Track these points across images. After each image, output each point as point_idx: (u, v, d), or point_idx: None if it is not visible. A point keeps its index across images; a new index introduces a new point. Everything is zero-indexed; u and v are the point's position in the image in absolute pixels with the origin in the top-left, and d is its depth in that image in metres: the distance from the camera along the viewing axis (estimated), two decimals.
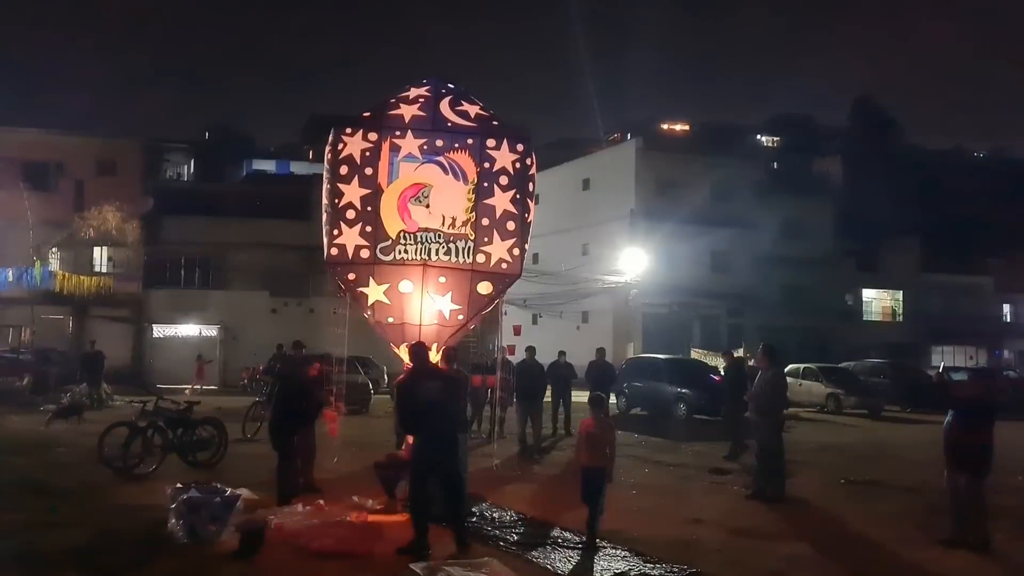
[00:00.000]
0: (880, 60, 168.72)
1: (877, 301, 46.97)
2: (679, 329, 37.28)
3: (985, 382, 9.63)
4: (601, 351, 19.85)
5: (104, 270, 35.07)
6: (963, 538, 8.46)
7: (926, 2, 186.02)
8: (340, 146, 9.64)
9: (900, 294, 46.60)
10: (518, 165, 9.78)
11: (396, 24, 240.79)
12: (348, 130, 9.69)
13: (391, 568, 7.29)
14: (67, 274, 32.67)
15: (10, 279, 31.50)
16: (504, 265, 9.76)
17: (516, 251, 9.77)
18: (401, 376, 10.18)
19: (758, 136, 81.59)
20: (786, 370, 19.65)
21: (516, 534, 8.67)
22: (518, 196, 9.76)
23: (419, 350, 8.65)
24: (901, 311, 46.75)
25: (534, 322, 40.81)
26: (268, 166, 67.57)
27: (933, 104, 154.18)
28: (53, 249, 33.93)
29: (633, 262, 36.66)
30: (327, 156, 9.86)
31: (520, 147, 9.84)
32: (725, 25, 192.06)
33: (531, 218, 10.03)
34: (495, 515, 9.43)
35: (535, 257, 38.68)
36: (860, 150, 60.30)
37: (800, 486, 11.64)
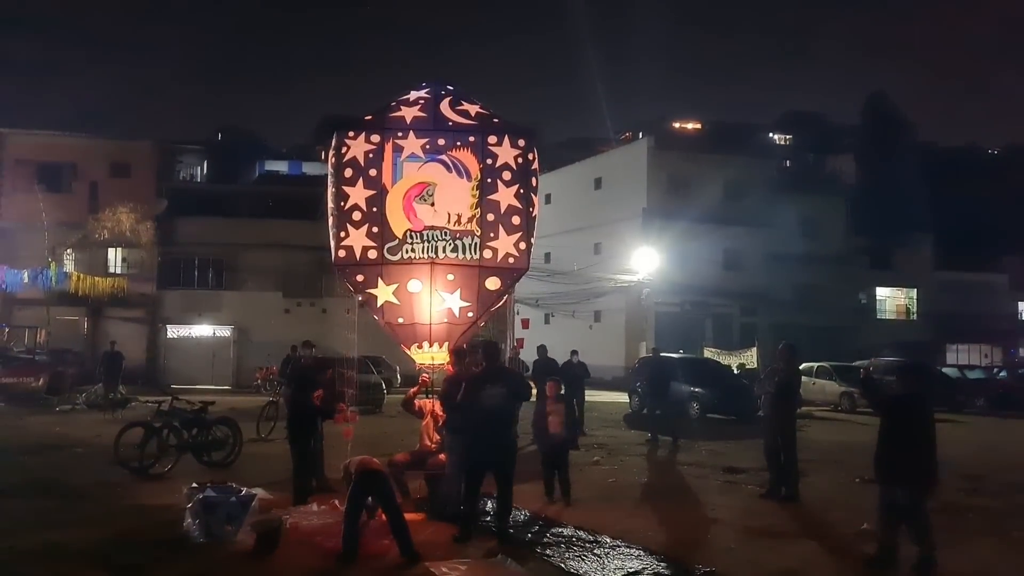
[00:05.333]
0: (893, 57, 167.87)
1: (891, 299, 46.76)
2: (692, 328, 37.22)
3: (916, 379, 8.12)
4: (542, 348, 19.01)
5: (118, 271, 35.26)
6: (889, 557, 7.60)
7: None
8: (343, 149, 9.67)
9: (914, 292, 46.36)
10: (520, 160, 9.80)
11: (406, 26, 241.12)
12: (351, 133, 9.72)
13: (407, 566, 7.32)
14: (82, 275, 32.80)
15: (25, 280, 31.62)
16: (511, 259, 9.77)
17: (523, 245, 9.79)
18: (413, 389, 10.23)
19: (770, 134, 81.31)
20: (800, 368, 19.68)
21: (530, 533, 8.68)
22: (522, 191, 9.78)
23: (492, 350, 8.84)
24: (915, 309, 46.51)
25: (546, 321, 40.83)
26: (280, 167, 67.71)
27: (946, 101, 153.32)
28: (68, 250, 34.11)
29: (645, 261, 36.60)
30: (331, 160, 9.92)
31: (521, 142, 9.86)
32: (736, 23, 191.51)
33: (536, 212, 10.07)
34: None
35: (547, 256, 38.67)
36: (873, 148, 60.01)
37: (814, 485, 11.61)
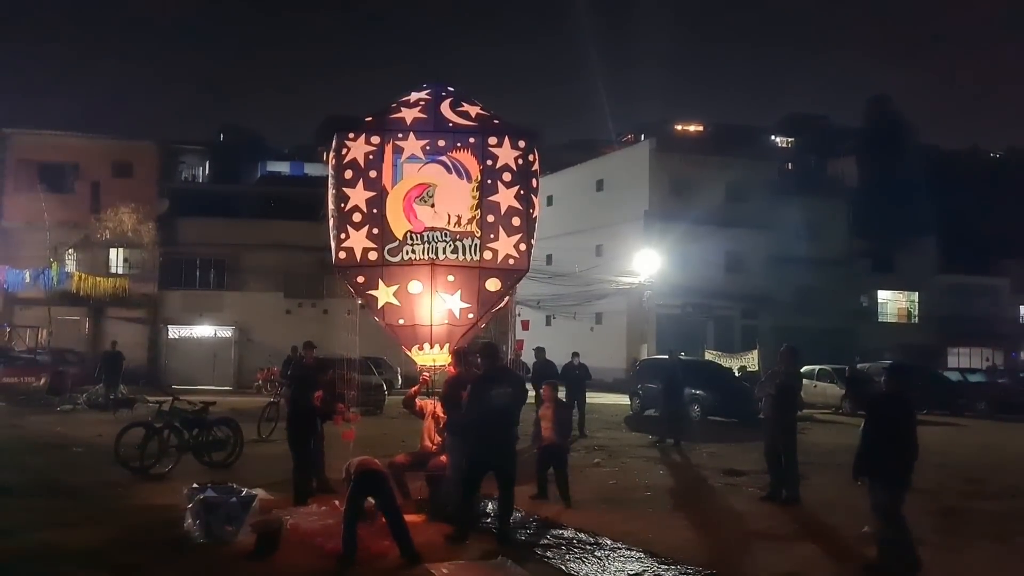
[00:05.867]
0: (895, 60, 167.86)
1: (892, 302, 46.68)
2: (693, 330, 37.16)
3: (901, 380, 7.98)
4: (540, 350, 18.90)
5: (120, 271, 35.28)
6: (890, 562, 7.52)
7: (941, 2, 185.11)
8: (344, 151, 9.67)
9: (915, 295, 46.29)
10: (520, 161, 9.79)
11: (409, 27, 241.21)
12: (351, 135, 9.72)
13: (407, 568, 7.32)
14: (83, 275, 32.83)
15: (27, 280, 31.70)
16: (511, 261, 9.76)
17: (523, 246, 9.78)
18: (414, 388, 10.24)
19: (772, 137, 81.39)
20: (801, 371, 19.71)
21: (531, 535, 8.67)
22: (522, 192, 9.77)
23: (492, 351, 8.86)
24: (916, 312, 46.44)
25: (547, 323, 40.80)
26: (282, 168, 67.81)
27: (949, 104, 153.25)
28: (69, 250, 34.11)
29: (647, 263, 36.58)
30: (331, 161, 9.91)
31: (522, 143, 9.84)
32: (739, 26, 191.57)
33: (536, 213, 10.05)
34: None
35: (548, 258, 38.65)
36: (875, 150, 60.02)
37: (815, 488, 11.60)
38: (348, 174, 9.62)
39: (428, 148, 9.69)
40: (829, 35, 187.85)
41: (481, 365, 8.91)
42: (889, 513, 7.49)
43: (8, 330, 29.71)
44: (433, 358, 9.79)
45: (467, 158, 9.71)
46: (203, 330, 35.68)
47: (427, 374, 9.98)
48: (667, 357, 18.98)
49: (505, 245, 9.69)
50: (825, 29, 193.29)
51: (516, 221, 9.73)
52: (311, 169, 63.65)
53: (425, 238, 9.63)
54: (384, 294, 9.71)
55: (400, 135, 9.70)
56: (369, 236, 9.58)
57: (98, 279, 33.08)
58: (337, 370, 11.48)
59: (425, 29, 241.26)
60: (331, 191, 9.84)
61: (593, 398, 19.25)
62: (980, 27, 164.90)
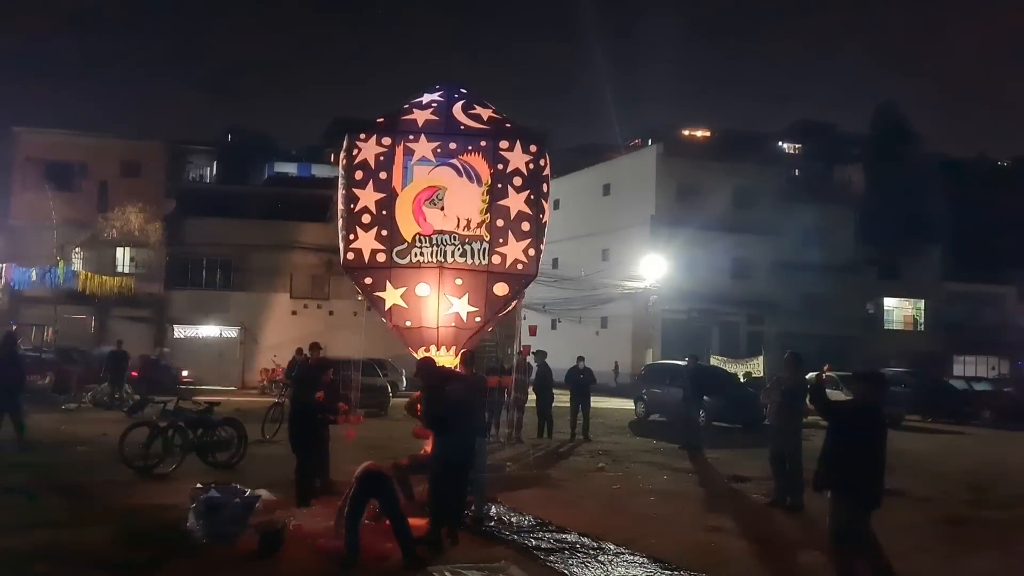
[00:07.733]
0: (903, 67, 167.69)
1: (898, 310, 46.60)
2: (699, 336, 37.12)
3: (871, 388, 7.24)
4: (540, 353, 18.77)
5: (126, 270, 35.29)
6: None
7: (949, 9, 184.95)
8: (355, 152, 9.68)
9: (922, 303, 46.19)
10: (532, 166, 9.79)
11: (417, 31, 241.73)
12: (362, 135, 9.74)
13: (409, 570, 7.30)
14: (90, 274, 32.87)
15: (34, 278, 31.75)
16: (520, 266, 9.77)
17: (531, 251, 9.78)
18: (417, 393, 10.25)
19: (779, 143, 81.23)
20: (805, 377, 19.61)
21: (533, 538, 8.65)
22: (532, 197, 9.77)
23: (426, 363, 8.85)
24: (923, 320, 46.34)
25: (553, 327, 40.78)
26: (290, 169, 67.77)
27: (956, 112, 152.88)
28: (76, 249, 34.16)
29: (653, 268, 36.55)
30: (342, 162, 9.95)
31: (533, 148, 9.85)
32: (747, 31, 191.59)
33: (546, 219, 10.06)
34: (512, 519, 9.42)
35: (554, 262, 38.64)
36: (882, 157, 59.88)
37: (819, 495, 11.55)
38: (358, 175, 9.64)
39: (439, 151, 9.69)
40: (837, 42, 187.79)
41: (421, 378, 8.88)
42: (844, 533, 6.83)
43: (14, 328, 29.77)
44: (440, 361, 9.79)
45: (478, 161, 9.72)
46: (209, 330, 35.72)
47: None
48: (686, 363, 18.91)
49: (514, 250, 9.70)
50: (832, 36, 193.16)
51: (525, 226, 9.73)
52: (318, 170, 63.63)
53: (434, 241, 9.65)
54: (391, 296, 9.72)
55: (411, 137, 9.70)
56: (378, 238, 9.59)
57: (104, 278, 33.11)
58: (341, 371, 11.46)
59: (433, 31, 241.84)
60: (341, 191, 9.86)
61: (597, 402, 19.24)
62: (987, 34, 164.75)
